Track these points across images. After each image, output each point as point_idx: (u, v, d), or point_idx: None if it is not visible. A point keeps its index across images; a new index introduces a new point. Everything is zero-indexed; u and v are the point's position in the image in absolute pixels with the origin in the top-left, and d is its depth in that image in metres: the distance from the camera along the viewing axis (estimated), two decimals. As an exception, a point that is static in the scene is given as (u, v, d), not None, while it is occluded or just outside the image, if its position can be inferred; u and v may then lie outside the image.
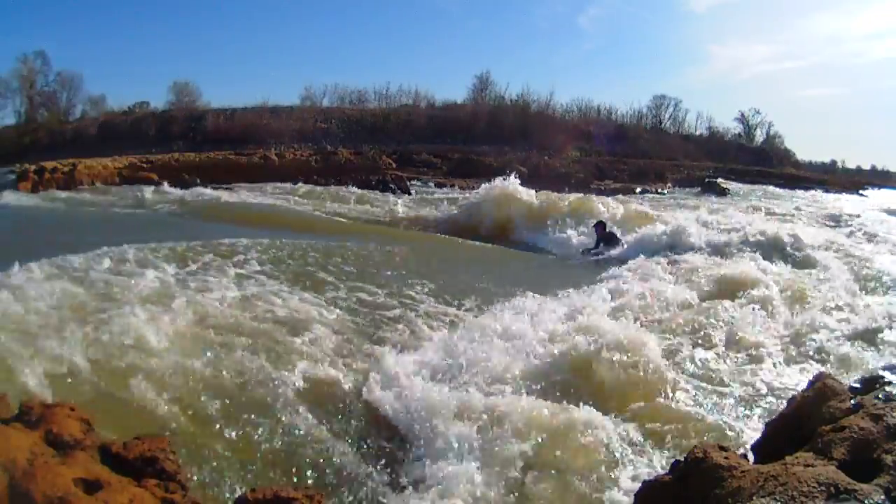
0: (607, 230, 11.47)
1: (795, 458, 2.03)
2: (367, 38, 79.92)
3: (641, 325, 5.50)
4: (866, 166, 65.49)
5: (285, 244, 8.01)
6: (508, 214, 14.28)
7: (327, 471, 3.48)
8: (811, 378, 2.75)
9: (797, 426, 2.42)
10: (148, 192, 17.35)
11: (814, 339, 5.53)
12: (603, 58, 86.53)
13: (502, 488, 3.24)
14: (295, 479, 3.33)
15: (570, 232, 12.67)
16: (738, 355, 5.22)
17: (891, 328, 5.69)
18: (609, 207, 14.01)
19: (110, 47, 70.50)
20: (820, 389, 2.48)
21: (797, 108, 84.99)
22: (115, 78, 73.97)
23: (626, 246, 10.88)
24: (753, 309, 6.19)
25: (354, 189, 20.53)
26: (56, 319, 4.23)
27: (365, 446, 3.78)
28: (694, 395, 4.42)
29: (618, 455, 3.52)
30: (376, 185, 22.00)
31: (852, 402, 2.30)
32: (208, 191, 18.38)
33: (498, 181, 15.17)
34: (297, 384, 4.12)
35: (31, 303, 4.38)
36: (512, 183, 14.92)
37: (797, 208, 22.41)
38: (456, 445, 3.52)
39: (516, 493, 3.24)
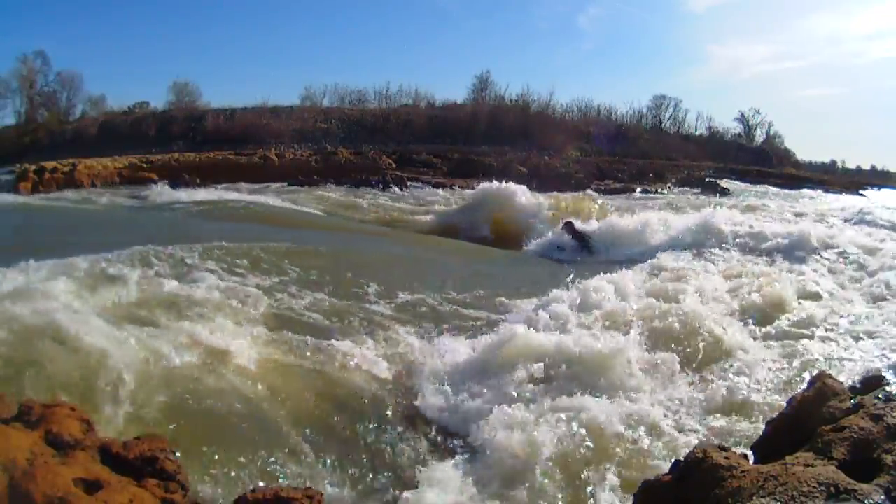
0: (577, 229, 11.66)
1: (795, 458, 2.03)
2: (367, 38, 80.00)
3: None
4: (866, 166, 65.14)
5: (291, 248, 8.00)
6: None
7: (328, 470, 3.47)
8: (811, 378, 2.75)
9: (797, 426, 2.42)
10: (147, 192, 17.33)
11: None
12: (603, 58, 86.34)
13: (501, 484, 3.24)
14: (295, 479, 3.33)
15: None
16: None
17: None
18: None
19: (110, 47, 70.49)
20: (820, 389, 2.48)
21: (797, 108, 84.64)
22: (115, 78, 74.06)
23: (594, 242, 11.19)
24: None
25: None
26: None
27: (367, 445, 3.78)
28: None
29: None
30: (376, 185, 22.00)
31: (852, 402, 2.30)
32: (205, 191, 18.33)
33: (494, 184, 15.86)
34: (297, 384, 4.12)
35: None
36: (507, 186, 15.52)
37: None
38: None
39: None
